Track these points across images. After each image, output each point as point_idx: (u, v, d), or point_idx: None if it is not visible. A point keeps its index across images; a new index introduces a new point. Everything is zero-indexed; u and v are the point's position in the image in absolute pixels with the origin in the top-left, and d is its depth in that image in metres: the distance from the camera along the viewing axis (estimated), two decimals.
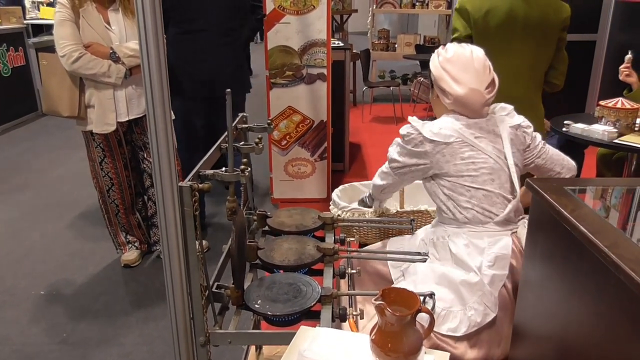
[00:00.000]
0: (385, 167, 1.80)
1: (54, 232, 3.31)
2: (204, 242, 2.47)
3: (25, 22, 6.29)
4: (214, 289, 1.44)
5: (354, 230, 2.20)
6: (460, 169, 1.59)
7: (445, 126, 1.62)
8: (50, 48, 2.64)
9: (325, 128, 3.60)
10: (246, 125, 1.77)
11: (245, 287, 1.47)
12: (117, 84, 2.51)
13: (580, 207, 1.03)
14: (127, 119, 2.60)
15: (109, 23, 2.51)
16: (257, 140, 1.57)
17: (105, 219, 2.83)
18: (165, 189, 1.16)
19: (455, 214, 1.63)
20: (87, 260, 2.95)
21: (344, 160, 4.33)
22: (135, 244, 2.92)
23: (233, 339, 1.34)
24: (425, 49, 6.61)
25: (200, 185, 1.23)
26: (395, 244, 1.82)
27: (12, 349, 2.24)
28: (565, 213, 0.99)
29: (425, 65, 5.03)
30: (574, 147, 2.87)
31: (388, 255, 1.70)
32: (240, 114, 1.87)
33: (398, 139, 1.71)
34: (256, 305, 1.38)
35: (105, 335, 2.32)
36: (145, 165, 2.77)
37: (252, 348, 1.92)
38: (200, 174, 1.32)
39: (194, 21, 2.87)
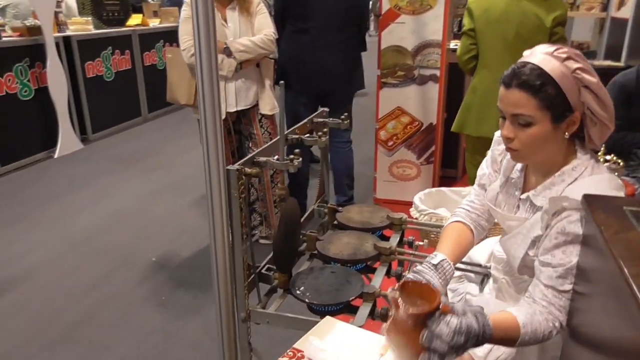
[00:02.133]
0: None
1: (173, 209, 3.69)
2: None
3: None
4: (264, 271, 1.51)
5: (432, 236, 2.13)
6: None
7: (615, 185, 1.14)
8: None
9: (434, 131, 3.50)
10: (322, 120, 1.82)
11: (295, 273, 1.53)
12: (228, 77, 2.72)
13: (628, 231, 0.90)
14: (235, 109, 2.80)
15: (225, 20, 2.72)
16: (320, 134, 1.61)
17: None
18: (212, 171, 1.25)
19: None
20: (194, 237, 3.24)
21: (457, 166, 4.16)
22: None
23: (271, 319, 1.40)
24: None
25: (248, 170, 1.30)
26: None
27: (119, 305, 2.56)
28: (603, 233, 0.88)
29: None
30: None
31: None
32: (321, 109, 1.92)
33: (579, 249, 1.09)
34: (298, 292, 1.43)
35: (195, 305, 2.54)
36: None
37: None
38: (255, 160, 1.39)
39: (308, 19, 2.98)
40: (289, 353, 1.10)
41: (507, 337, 1.08)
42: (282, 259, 1.44)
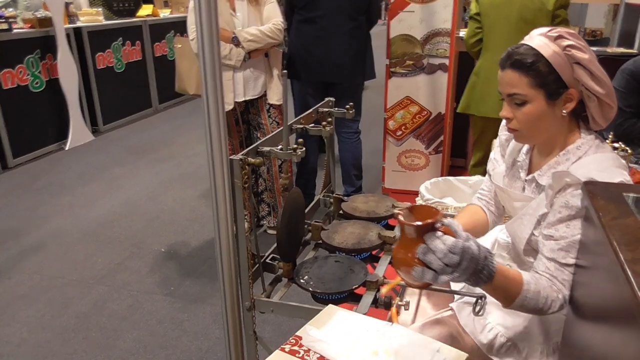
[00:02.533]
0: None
1: (183, 199, 3.72)
2: None
3: None
4: (268, 260, 1.52)
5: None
6: None
7: (619, 164, 1.14)
8: None
9: (443, 121, 3.48)
10: (327, 110, 1.81)
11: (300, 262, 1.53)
12: (236, 66, 2.72)
13: (626, 216, 0.89)
14: (243, 99, 2.80)
15: (234, 10, 2.72)
16: (324, 123, 1.60)
17: None
18: (215, 161, 1.25)
19: None
20: (204, 227, 3.27)
21: (466, 156, 4.14)
22: (246, 217, 3.15)
23: (275, 308, 1.41)
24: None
25: (251, 160, 1.31)
26: None
27: (129, 293, 2.59)
28: (601, 218, 0.87)
29: None
30: None
31: None
32: (327, 99, 1.92)
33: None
34: (302, 281, 1.44)
35: (203, 294, 2.57)
36: None
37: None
38: (259, 150, 1.40)
39: (314, 8, 2.97)
40: (292, 340, 1.11)
41: (508, 287, 1.07)
42: (286, 249, 1.44)
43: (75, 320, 2.39)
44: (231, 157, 1.28)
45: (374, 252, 1.63)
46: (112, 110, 5.58)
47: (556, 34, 1.11)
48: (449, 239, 0.94)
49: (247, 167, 1.30)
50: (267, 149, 1.39)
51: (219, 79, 1.20)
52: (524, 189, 1.28)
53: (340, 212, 1.88)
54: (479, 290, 1.30)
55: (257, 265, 1.45)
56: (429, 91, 3.42)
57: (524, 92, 1.12)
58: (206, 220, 3.35)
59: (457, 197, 2.28)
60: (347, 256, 1.56)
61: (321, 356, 1.06)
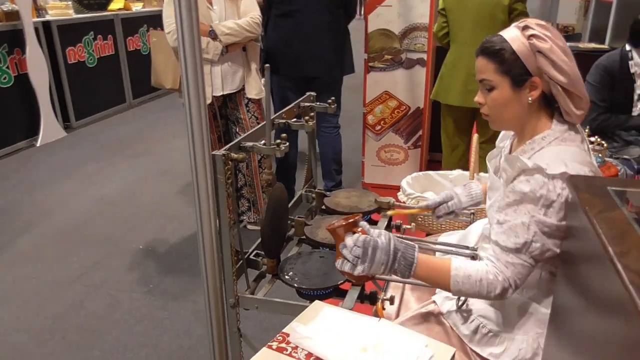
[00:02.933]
0: (509, 258, 1.15)
1: (161, 196, 3.66)
2: None
3: None
4: (252, 257, 1.51)
5: (419, 220, 2.13)
6: None
7: (581, 160, 1.14)
8: None
9: (421, 115, 3.50)
10: (309, 104, 1.80)
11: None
12: (214, 60, 2.68)
13: (612, 210, 0.90)
14: (221, 93, 2.77)
15: (211, 3, 2.68)
16: (307, 118, 1.59)
17: None
18: (197, 157, 1.23)
19: None
20: (183, 224, 3.22)
21: None
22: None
23: (260, 304, 1.40)
24: None
25: (234, 155, 1.29)
26: (449, 237, 1.73)
27: (107, 292, 2.54)
28: (587, 212, 0.88)
29: None
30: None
31: (433, 245, 1.62)
32: (308, 93, 1.90)
33: (531, 208, 1.11)
34: (286, 277, 1.43)
35: (184, 291, 2.53)
36: None
37: None
38: (241, 145, 1.38)
39: (292, 2, 2.94)
40: (279, 338, 1.10)
41: (435, 276, 1.18)
42: (270, 245, 1.43)
43: (51, 321, 2.33)
44: (214, 152, 1.26)
45: None
46: (85, 106, 5.45)
47: (524, 25, 1.16)
48: (358, 236, 1.16)
49: (230, 162, 1.28)
50: (250, 144, 1.37)
51: (200, 73, 1.17)
52: (499, 175, 1.31)
53: (323, 207, 1.87)
54: None
55: (241, 261, 1.43)
56: (408, 86, 3.44)
57: (491, 78, 1.18)
58: (185, 216, 3.30)
59: (437, 191, 2.29)
60: (331, 251, 1.55)
61: (309, 353, 1.05)
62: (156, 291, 2.55)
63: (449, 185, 2.33)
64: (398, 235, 1.69)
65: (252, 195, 3.02)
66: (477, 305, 1.32)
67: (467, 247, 1.56)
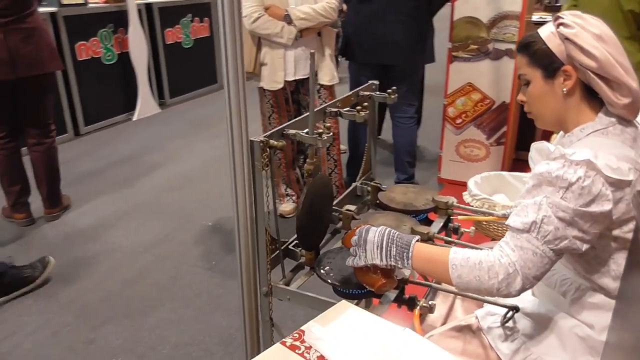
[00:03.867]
0: (523, 242, 1.03)
1: None
2: None
3: None
4: (291, 247, 1.48)
5: (484, 224, 1.99)
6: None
7: (618, 153, 1.03)
8: None
9: (506, 110, 3.26)
10: (368, 93, 1.73)
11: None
12: (287, 45, 2.67)
13: None
14: (293, 78, 2.76)
15: None
16: (359, 107, 1.52)
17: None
18: (235, 141, 1.22)
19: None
20: None
21: None
22: (293, 198, 3.14)
23: (292, 296, 1.37)
24: None
25: (273, 142, 1.26)
26: None
27: (173, 264, 2.66)
28: None
29: None
30: None
31: None
32: (370, 82, 1.83)
33: (548, 190, 1.01)
34: (322, 271, 1.38)
35: None
36: None
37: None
38: (284, 132, 1.34)
39: None
40: (295, 335, 1.06)
41: (434, 261, 1.10)
42: (305, 237, 1.39)
43: (120, 285, 2.49)
44: (252, 138, 1.24)
45: None
46: (179, 85, 5.73)
47: (557, 16, 1.11)
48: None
49: (268, 149, 1.26)
50: (293, 131, 1.33)
51: (240, 54, 1.15)
52: None
53: (377, 201, 1.80)
54: (510, 302, 1.20)
55: (278, 251, 1.41)
56: (493, 78, 3.22)
57: (525, 72, 1.15)
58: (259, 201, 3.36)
59: (509, 195, 2.13)
60: None
61: (321, 355, 1.00)
62: (217, 268, 2.62)
63: (523, 188, 2.15)
64: (452, 239, 1.58)
65: None
66: (523, 323, 1.20)
67: None
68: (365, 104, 1.59)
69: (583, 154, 0.99)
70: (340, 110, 1.54)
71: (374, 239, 1.14)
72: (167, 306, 2.33)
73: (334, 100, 1.60)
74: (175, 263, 2.67)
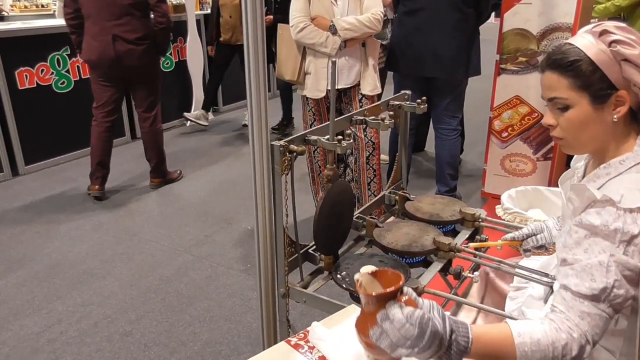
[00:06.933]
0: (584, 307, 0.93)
1: None
2: None
3: None
4: (311, 251, 1.51)
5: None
6: None
7: None
8: None
9: None
10: (397, 103, 1.74)
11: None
12: (331, 54, 2.71)
13: None
14: (336, 87, 2.79)
15: None
16: (383, 116, 1.53)
17: (310, 177, 3.13)
18: (256, 145, 1.26)
19: None
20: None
21: None
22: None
23: (308, 299, 1.40)
24: None
25: (293, 147, 1.30)
26: (531, 262, 1.54)
27: (210, 264, 2.74)
28: None
29: None
30: None
31: (511, 269, 1.46)
32: (403, 92, 1.84)
33: (606, 245, 0.93)
34: (338, 276, 1.40)
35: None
36: None
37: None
38: (306, 138, 1.38)
39: (416, 0, 2.85)
40: (300, 334, 1.08)
41: (496, 349, 0.91)
42: (322, 242, 1.41)
43: (158, 282, 2.59)
44: (272, 143, 1.28)
45: (427, 258, 1.53)
46: (232, 93, 5.91)
47: (600, 29, 0.97)
48: (409, 309, 0.84)
49: (288, 154, 1.29)
50: (314, 137, 1.36)
51: (262, 60, 1.20)
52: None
53: (404, 210, 1.80)
54: None
55: (296, 254, 1.44)
56: None
57: (565, 96, 0.99)
58: (297, 205, 3.41)
59: (546, 210, 2.07)
60: (394, 258, 1.49)
61: (322, 355, 1.02)
62: (252, 271, 2.68)
63: (560, 203, 2.07)
64: (473, 251, 1.55)
65: (358, 192, 3.01)
66: None
67: (546, 275, 1.38)
68: (391, 113, 1.60)
69: (635, 199, 0.91)
70: (366, 118, 1.55)
71: (434, 344, 0.85)
72: (201, 305, 2.41)
73: (362, 109, 1.61)
74: (212, 264, 2.75)
